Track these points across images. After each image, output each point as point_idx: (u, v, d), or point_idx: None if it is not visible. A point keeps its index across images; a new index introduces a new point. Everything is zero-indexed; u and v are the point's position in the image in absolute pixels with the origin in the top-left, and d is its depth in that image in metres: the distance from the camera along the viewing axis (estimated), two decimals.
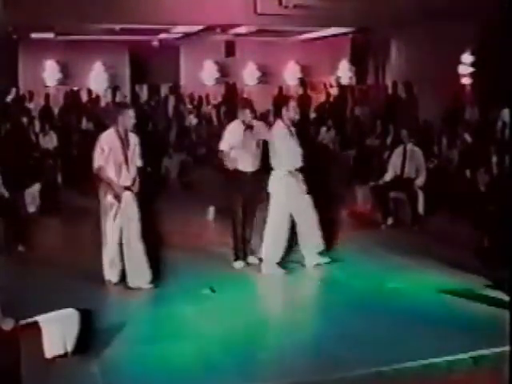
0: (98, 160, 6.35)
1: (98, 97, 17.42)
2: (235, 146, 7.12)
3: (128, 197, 6.40)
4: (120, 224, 6.43)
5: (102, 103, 16.98)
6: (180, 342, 5.34)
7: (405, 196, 9.33)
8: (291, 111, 7.06)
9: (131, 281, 6.53)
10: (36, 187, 9.82)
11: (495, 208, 7.21)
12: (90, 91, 17.57)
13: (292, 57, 19.94)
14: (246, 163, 7.19)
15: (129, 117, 6.41)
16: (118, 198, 6.34)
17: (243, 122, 7.22)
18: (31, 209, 9.54)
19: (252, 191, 7.26)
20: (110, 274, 6.61)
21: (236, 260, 7.36)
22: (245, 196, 7.26)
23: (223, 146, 7.20)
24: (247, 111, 7.23)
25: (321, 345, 5.30)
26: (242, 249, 7.38)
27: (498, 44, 11.91)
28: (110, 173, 6.36)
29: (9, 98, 16.05)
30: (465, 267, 6.97)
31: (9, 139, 12.60)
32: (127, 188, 6.42)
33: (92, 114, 15.59)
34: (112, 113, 6.65)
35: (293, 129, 7.19)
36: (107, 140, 6.37)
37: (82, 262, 7.21)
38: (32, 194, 9.65)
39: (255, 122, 7.33)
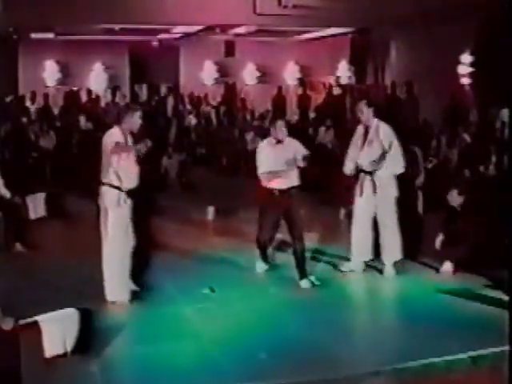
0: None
1: (97, 97, 17.43)
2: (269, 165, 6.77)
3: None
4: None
5: (102, 103, 16.99)
6: (180, 341, 5.35)
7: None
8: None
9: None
10: (41, 196, 9.77)
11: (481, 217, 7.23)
12: (89, 91, 17.57)
13: (291, 57, 19.96)
14: (276, 181, 6.77)
15: (137, 118, 6.22)
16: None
17: (274, 138, 6.82)
18: (32, 215, 9.50)
19: (281, 210, 6.81)
20: (120, 291, 6.23)
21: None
22: (273, 215, 6.88)
23: (262, 169, 6.77)
24: (280, 123, 6.88)
25: (320, 345, 5.30)
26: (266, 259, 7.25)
27: (498, 44, 11.92)
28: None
29: (9, 98, 16.05)
30: (465, 267, 6.97)
31: (9, 139, 12.61)
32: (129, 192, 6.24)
33: (92, 114, 15.61)
34: (119, 113, 6.45)
35: None
36: (113, 138, 6.09)
37: (83, 261, 7.22)
38: (35, 201, 9.60)
39: (287, 138, 6.85)
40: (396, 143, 6.93)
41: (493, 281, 6.54)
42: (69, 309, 5.11)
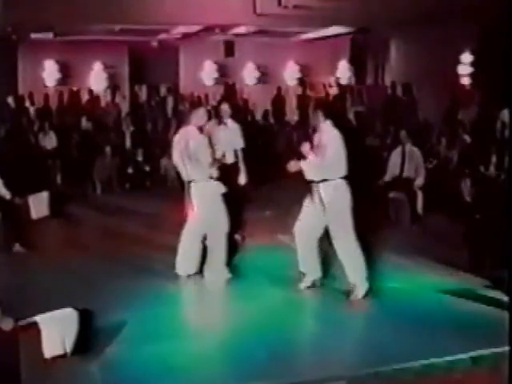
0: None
1: (97, 97, 17.42)
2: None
3: None
4: None
5: (102, 103, 17.00)
6: (180, 342, 5.35)
7: (404, 196, 9.33)
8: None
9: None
10: (44, 195, 9.76)
11: (481, 217, 7.22)
12: (91, 91, 17.53)
13: (291, 57, 19.94)
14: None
15: (202, 114, 6.81)
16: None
17: (219, 119, 7.94)
18: (34, 215, 9.49)
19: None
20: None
21: None
22: None
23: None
24: (224, 106, 8.12)
25: (320, 345, 5.30)
26: None
27: (498, 44, 11.92)
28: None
29: (9, 99, 16.04)
30: (464, 267, 6.97)
31: (8, 140, 12.61)
32: None
33: (92, 114, 15.66)
34: (187, 114, 7.14)
35: None
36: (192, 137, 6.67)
37: (83, 262, 7.23)
38: (37, 201, 9.58)
39: (230, 122, 7.97)
40: (336, 148, 6.25)
41: (493, 281, 6.54)
42: (68, 309, 5.10)
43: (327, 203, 6.18)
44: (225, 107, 8.10)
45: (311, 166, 6.21)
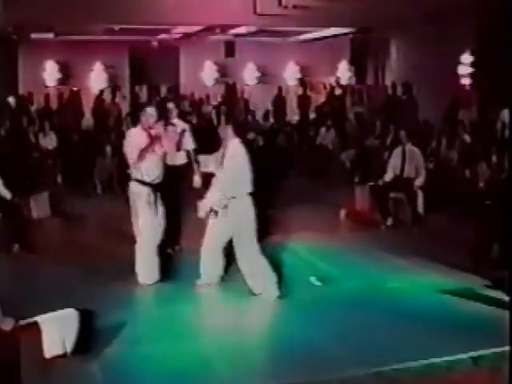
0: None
1: (99, 97, 17.42)
2: None
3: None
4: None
5: (103, 103, 17.00)
6: (180, 342, 5.34)
7: (404, 196, 9.33)
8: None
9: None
10: (45, 195, 9.77)
11: (492, 204, 7.21)
12: (101, 91, 17.50)
13: (291, 57, 19.96)
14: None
15: (148, 114, 6.73)
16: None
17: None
18: (35, 215, 9.49)
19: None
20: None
21: None
22: None
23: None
24: (171, 105, 7.97)
25: (320, 345, 5.29)
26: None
27: (498, 44, 11.92)
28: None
29: (9, 99, 16.05)
30: (464, 267, 6.97)
31: (9, 140, 12.61)
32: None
33: (93, 114, 15.66)
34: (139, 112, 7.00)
35: None
36: (136, 139, 6.68)
37: (81, 262, 7.22)
38: (38, 201, 9.59)
39: (179, 122, 7.79)
40: (237, 166, 6.14)
41: (493, 281, 6.54)
42: (68, 309, 5.10)
43: (231, 216, 6.18)
44: (171, 106, 7.88)
45: (214, 182, 6.33)
